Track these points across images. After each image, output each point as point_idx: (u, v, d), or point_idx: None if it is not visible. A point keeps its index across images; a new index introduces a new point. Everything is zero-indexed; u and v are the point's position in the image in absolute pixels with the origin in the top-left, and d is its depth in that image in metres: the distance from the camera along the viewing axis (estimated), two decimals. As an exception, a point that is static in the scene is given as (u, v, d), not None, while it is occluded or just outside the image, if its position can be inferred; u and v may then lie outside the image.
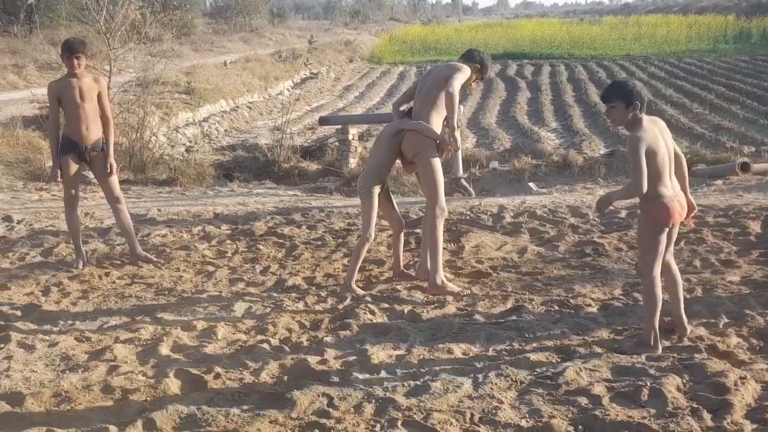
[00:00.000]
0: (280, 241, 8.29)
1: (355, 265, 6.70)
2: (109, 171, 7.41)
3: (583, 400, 4.52)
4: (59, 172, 7.34)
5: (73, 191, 7.47)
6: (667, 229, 5.16)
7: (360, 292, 6.61)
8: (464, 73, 6.64)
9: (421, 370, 5.08)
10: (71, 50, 7.20)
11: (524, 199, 10.39)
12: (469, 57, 6.95)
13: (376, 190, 6.66)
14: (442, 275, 6.56)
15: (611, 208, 5.41)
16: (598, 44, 45.94)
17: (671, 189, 5.12)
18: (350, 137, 14.98)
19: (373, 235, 6.68)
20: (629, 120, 5.05)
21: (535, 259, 7.54)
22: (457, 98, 6.45)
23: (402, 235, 7.07)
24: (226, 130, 20.33)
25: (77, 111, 7.25)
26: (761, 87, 25.45)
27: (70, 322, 6.08)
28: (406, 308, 6.22)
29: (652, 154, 4.97)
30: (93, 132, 7.33)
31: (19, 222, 9.13)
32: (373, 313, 6.14)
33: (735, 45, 44.96)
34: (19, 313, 6.28)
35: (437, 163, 6.63)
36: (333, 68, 36.51)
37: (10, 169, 12.51)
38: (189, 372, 5.05)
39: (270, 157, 15.34)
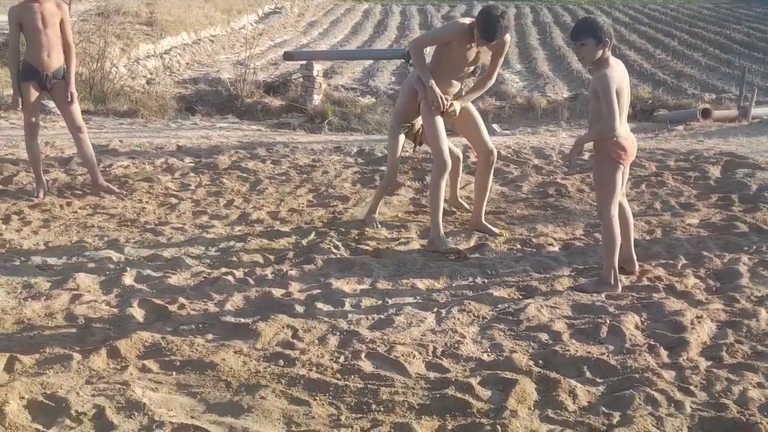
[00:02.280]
0: (244, 175, 8.25)
1: (377, 201, 6.82)
2: (69, 100, 7.28)
3: (544, 336, 4.61)
4: (20, 100, 7.19)
5: (34, 119, 7.34)
6: (622, 168, 5.24)
7: (377, 223, 6.73)
8: (443, 28, 6.51)
9: (385, 304, 5.13)
10: None
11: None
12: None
13: (401, 130, 6.60)
14: (440, 232, 6.30)
15: (571, 157, 5.41)
16: (565, -13, 45.77)
17: (625, 129, 5.20)
18: (315, 73, 14.85)
19: (393, 179, 6.75)
20: (598, 58, 5.07)
21: (498, 198, 7.60)
22: (418, 53, 6.24)
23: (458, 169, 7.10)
24: (188, 63, 20.02)
25: (39, 37, 7.09)
26: (723, 35, 25.61)
27: (31, 250, 6.02)
28: (371, 244, 6.26)
29: (618, 94, 5.01)
30: (54, 59, 7.19)
31: (-24, 150, 8.98)
32: (337, 248, 6.16)
33: (699, -8, 45.04)
34: (-22, 240, 6.21)
35: (432, 117, 6.34)
36: (297, 3, 35.95)
37: (-34, 97, 12.24)
38: (153, 302, 5.05)
39: (233, 92, 15.18)
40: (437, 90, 6.19)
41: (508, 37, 6.20)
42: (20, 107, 7.24)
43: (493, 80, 6.60)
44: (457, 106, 6.38)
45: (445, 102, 6.26)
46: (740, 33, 26.16)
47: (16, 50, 7.27)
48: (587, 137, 5.27)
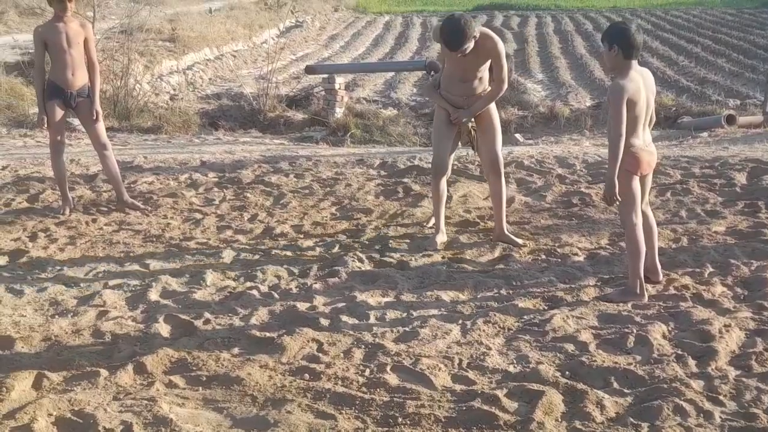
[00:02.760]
0: (268, 189, 8.28)
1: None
2: (95, 117, 7.35)
3: (570, 347, 4.58)
4: (45, 118, 7.27)
5: (59, 137, 7.42)
6: (637, 178, 5.21)
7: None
8: None
9: (410, 316, 5.12)
10: None
11: (511, 149, 10.40)
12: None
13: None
14: (440, 228, 6.54)
15: (610, 195, 5.26)
16: (585, -5, 45.66)
17: (642, 140, 5.17)
18: (337, 86, 14.90)
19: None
20: (614, 64, 5.05)
21: (522, 208, 7.57)
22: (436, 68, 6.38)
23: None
24: (210, 79, 20.16)
25: (63, 56, 7.17)
26: (747, 40, 25.43)
27: (58, 267, 6.07)
28: (395, 256, 6.25)
29: (631, 104, 4.98)
30: (79, 78, 7.26)
31: (3, 168, 9.07)
32: (361, 261, 6.16)
33: (722, -2, 44.80)
34: (6, 258, 6.26)
35: (437, 122, 6.68)
36: (318, 17, 36.13)
37: (-7, 116, 12.40)
38: (178, 317, 5.08)
39: (255, 106, 15.25)
40: (442, 101, 6.53)
41: (492, 42, 6.22)
42: (46, 126, 7.31)
43: (501, 88, 6.48)
44: (463, 115, 6.47)
45: (452, 111, 6.46)
46: (764, 38, 25.97)
47: (42, 69, 7.35)
48: (611, 171, 5.09)
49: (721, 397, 3.92)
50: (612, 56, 5.04)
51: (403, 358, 4.45)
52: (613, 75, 5.26)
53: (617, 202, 5.22)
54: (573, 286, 5.60)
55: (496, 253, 6.30)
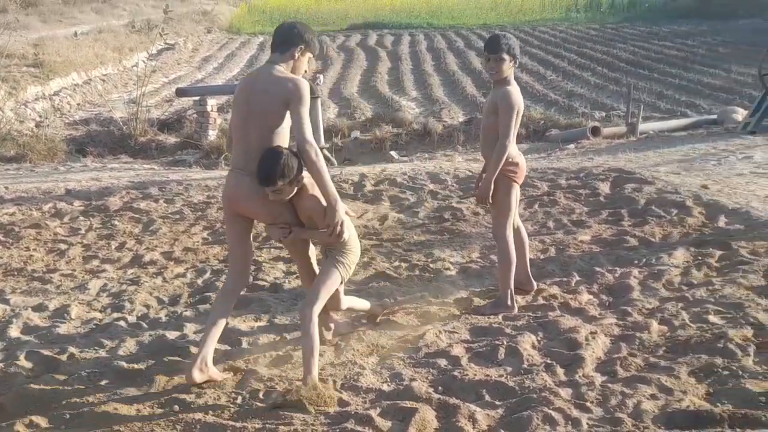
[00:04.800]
0: (137, 216, 8.07)
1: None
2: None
3: (443, 362, 4.60)
4: None
5: None
6: (517, 186, 5.32)
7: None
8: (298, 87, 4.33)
9: (284, 340, 5.06)
10: None
11: (384, 167, 10.47)
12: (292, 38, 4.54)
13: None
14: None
15: (484, 197, 5.31)
16: (456, 13, 46.41)
17: (516, 148, 5.32)
18: (209, 108, 14.69)
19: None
20: (507, 75, 5.15)
21: (395, 225, 7.61)
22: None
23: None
24: (78, 104, 19.53)
25: None
26: (610, 54, 26.38)
27: None
28: (268, 279, 6.17)
29: (518, 113, 5.12)
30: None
31: None
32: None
33: (586, 14, 46.27)
34: None
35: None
36: (191, 39, 35.54)
37: None
38: (41, 353, 4.86)
39: (125, 131, 14.87)
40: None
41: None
42: None
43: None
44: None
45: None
46: (626, 52, 26.98)
47: None
48: (490, 175, 5.17)
49: (588, 404, 4.01)
50: (509, 66, 5.14)
51: (276, 383, 4.38)
52: (495, 83, 5.26)
53: (492, 210, 5.34)
54: (445, 300, 5.64)
55: (370, 272, 6.29)
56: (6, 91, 16.78)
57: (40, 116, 17.12)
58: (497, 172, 5.17)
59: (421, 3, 50.83)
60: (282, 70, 4.39)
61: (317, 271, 4.64)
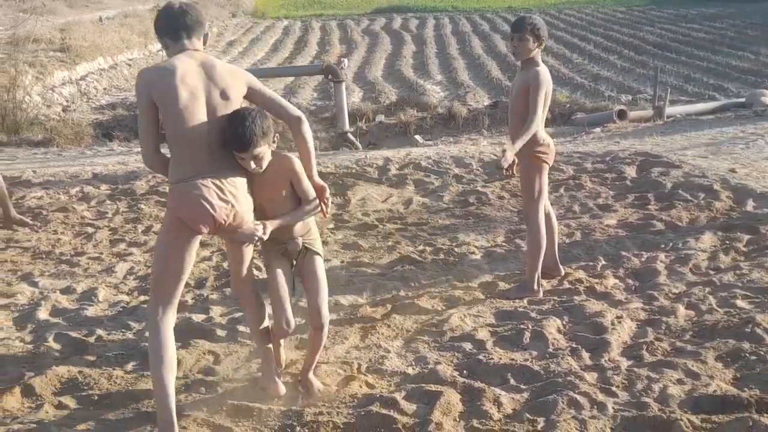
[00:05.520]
0: (163, 199, 8.09)
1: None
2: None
3: (468, 346, 4.61)
4: None
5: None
6: (547, 168, 5.29)
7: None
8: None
9: (308, 323, 5.06)
10: None
11: (409, 151, 10.45)
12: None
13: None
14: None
15: (505, 163, 5.14)
16: (481, -3, 46.32)
17: (545, 131, 5.30)
18: (234, 93, 14.72)
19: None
20: (533, 55, 5.12)
21: (420, 209, 7.60)
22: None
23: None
24: (105, 89, 19.64)
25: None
26: (637, 37, 26.16)
27: (-60, 289, 5.82)
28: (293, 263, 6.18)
29: (546, 95, 5.09)
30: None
31: None
32: (258, 268, 6.06)
33: (612, -4, 46.00)
34: None
35: None
36: (216, 23, 35.64)
37: None
38: (69, 335, 4.92)
39: (151, 116, 14.92)
40: None
41: None
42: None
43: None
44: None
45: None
46: (653, 35, 26.76)
47: None
48: (518, 144, 5.03)
49: (613, 388, 4.00)
50: (534, 47, 5.12)
51: (301, 366, 4.40)
52: (522, 64, 5.23)
53: (522, 193, 5.35)
54: (470, 284, 5.64)
55: (395, 256, 6.30)
56: (33, 76, 16.88)
57: (67, 101, 17.23)
58: (521, 144, 5.03)
59: (447, -14, 50.61)
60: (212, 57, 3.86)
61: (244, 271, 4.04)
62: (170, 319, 3.73)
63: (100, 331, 4.96)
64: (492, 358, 4.40)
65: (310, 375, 4.21)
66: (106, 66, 21.72)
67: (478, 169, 8.88)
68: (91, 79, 19.76)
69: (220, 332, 4.93)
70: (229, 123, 3.61)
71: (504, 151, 4.94)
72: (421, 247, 6.47)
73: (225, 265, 6.20)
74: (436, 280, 5.74)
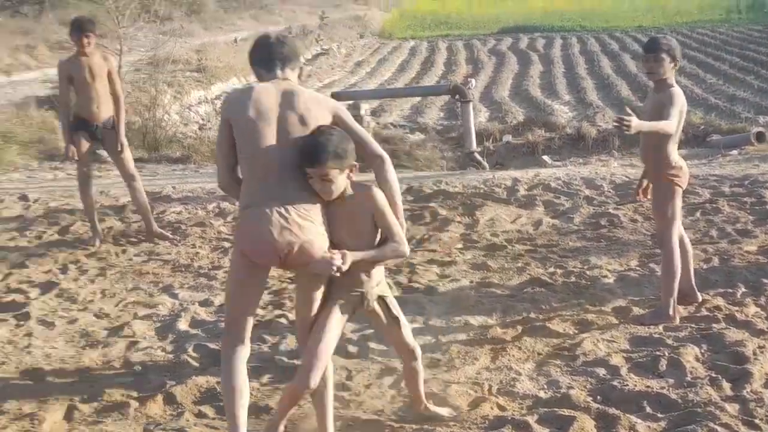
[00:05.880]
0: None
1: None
2: (120, 149, 7.41)
3: (601, 371, 4.54)
4: (74, 150, 7.30)
5: (86, 169, 7.48)
6: (681, 192, 5.18)
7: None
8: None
9: (439, 342, 5.09)
10: (81, 29, 7.18)
11: (538, 171, 10.36)
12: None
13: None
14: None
15: (630, 123, 4.79)
16: (610, 16, 45.53)
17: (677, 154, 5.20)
18: (362, 112, 14.91)
19: None
20: (668, 76, 5.05)
21: (550, 231, 7.52)
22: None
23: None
24: (238, 108, 20.25)
25: (88, 90, 7.25)
26: (776, 57, 25.21)
27: (88, 299, 6.11)
28: (422, 281, 6.23)
29: (680, 116, 4.99)
30: (103, 110, 7.33)
31: (35, 201, 9.16)
32: (389, 286, 6.12)
33: (748, 15, 44.48)
34: (38, 290, 6.30)
35: None
36: (344, 44, 36.30)
37: (24, 149, 12.49)
38: (207, 347, 5.10)
39: (282, 134, 15.30)
40: None
41: None
42: (74, 158, 7.35)
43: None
44: None
45: None
46: (792, 54, 25.76)
47: (66, 103, 7.44)
48: (645, 125, 4.87)
49: (756, 421, 3.87)
50: (669, 67, 5.05)
51: (432, 385, 4.42)
52: (656, 85, 5.16)
53: (655, 216, 5.24)
54: (603, 308, 5.54)
55: (525, 277, 6.25)
56: (172, 95, 17.57)
57: (203, 119, 17.86)
58: (647, 129, 4.91)
59: (573, 6, 50.12)
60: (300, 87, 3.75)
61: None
62: (241, 355, 3.66)
63: (236, 344, 5.11)
64: (627, 385, 4.32)
65: (429, 406, 4.10)
66: (239, 86, 22.39)
67: (609, 191, 8.72)
68: (225, 99, 20.41)
69: (352, 348, 5.01)
70: (306, 137, 3.47)
71: (631, 116, 4.66)
72: (551, 269, 6.40)
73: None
74: (568, 303, 5.67)
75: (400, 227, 3.63)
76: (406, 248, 3.66)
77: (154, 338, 5.34)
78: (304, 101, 3.57)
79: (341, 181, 3.49)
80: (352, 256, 3.49)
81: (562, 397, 4.24)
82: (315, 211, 3.49)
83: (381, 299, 3.78)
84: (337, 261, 3.44)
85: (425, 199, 8.63)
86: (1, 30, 24.21)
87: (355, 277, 3.60)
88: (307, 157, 3.42)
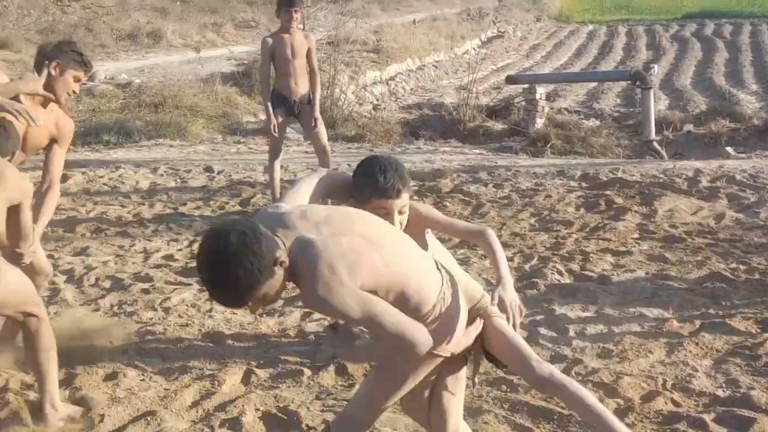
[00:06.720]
0: (467, 198, 8.29)
1: None
2: (314, 125, 7.65)
3: (787, 373, 4.32)
4: (275, 123, 7.54)
5: (280, 144, 7.78)
6: None
7: None
8: None
9: (611, 332, 4.99)
10: (290, 3, 7.44)
11: (722, 163, 9.91)
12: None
13: None
14: None
15: None
16: (807, 1, 42.87)
17: None
18: (537, 97, 14.72)
19: None
20: None
21: (733, 225, 7.19)
22: None
23: None
24: (412, 89, 20.45)
25: (288, 66, 7.53)
26: None
27: (266, 268, 6.34)
28: (596, 270, 6.10)
29: None
30: (301, 86, 7.61)
31: (219, 173, 9.59)
32: (560, 273, 6.06)
33: None
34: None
35: None
36: (519, 27, 35.89)
37: (210, 123, 13.10)
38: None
39: (455, 116, 15.30)
40: None
41: None
42: (274, 132, 7.58)
43: None
44: None
45: None
46: None
47: (267, 78, 7.78)
48: None
49: None
50: None
51: (603, 375, 4.34)
52: None
53: None
54: (790, 308, 5.27)
55: (704, 271, 6.01)
56: (349, 75, 17.92)
57: (377, 99, 18.14)
58: None
59: (766, -10, 47.41)
60: None
61: None
62: None
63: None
64: (814, 390, 4.09)
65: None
66: (414, 67, 22.59)
67: (800, 185, 8.25)
68: (400, 80, 20.65)
69: (521, 332, 4.96)
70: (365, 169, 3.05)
71: None
72: (733, 265, 6.12)
73: (526, 267, 6.23)
74: (750, 301, 5.41)
75: None
76: None
77: (327, 310, 5.47)
78: None
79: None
80: None
81: (741, 397, 4.07)
82: None
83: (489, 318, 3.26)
84: None
85: (600, 187, 8.44)
86: (190, 8, 25.40)
87: None
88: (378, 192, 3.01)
